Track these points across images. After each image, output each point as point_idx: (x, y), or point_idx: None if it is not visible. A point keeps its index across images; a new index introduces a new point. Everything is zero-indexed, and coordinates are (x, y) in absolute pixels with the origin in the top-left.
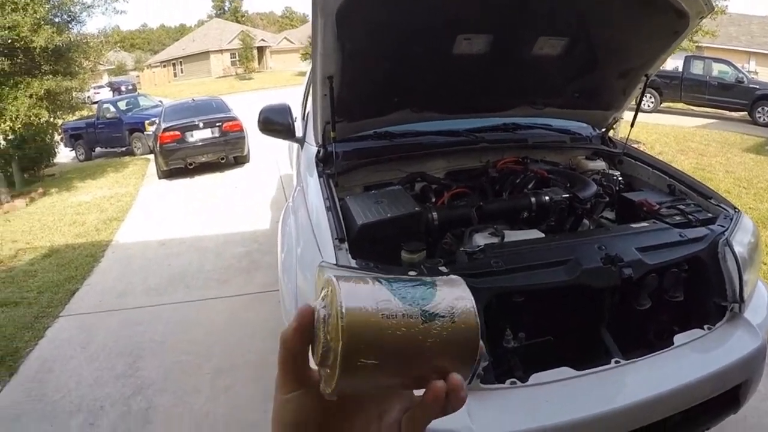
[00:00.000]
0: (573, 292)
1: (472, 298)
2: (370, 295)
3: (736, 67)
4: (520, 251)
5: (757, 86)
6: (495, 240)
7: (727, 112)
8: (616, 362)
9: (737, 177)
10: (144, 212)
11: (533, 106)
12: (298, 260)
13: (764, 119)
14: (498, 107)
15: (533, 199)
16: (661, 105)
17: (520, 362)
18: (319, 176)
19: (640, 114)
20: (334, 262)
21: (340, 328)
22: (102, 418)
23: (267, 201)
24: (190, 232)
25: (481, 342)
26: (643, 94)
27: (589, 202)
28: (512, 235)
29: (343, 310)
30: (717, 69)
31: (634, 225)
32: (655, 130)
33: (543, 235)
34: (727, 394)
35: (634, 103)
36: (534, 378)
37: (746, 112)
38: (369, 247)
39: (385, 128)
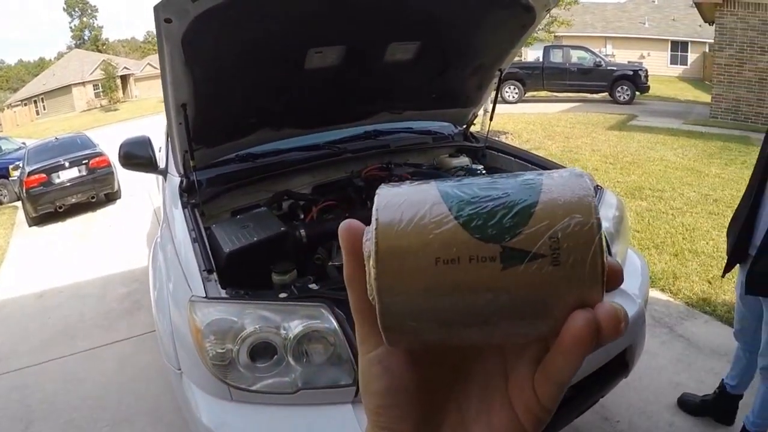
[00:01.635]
0: None
1: (596, 217)
2: (422, 226)
3: (593, 52)
4: None
5: (615, 68)
6: None
7: (589, 95)
8: None
9: (603, 154)
10: (17, 265)
11: (392, 111)
12: (170, 296)
13: (624, 97)
14: (357, 117)
15: None
16: (526, 95)
17: None
18: (184, 207)
19: (506, 105)
20: (204, 295)
21: (374, 283)
22: None
23: (143, 236)
24: (68, 279)
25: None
26: (498, 89)
27: None
28: None
29: (375, 255)
30: (576, 55)
31: None
32: (521, 119)
33: None
34: (615, 361)
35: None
36: None
37: (607, 93)
38: (239, 274)
39: (247, 150)
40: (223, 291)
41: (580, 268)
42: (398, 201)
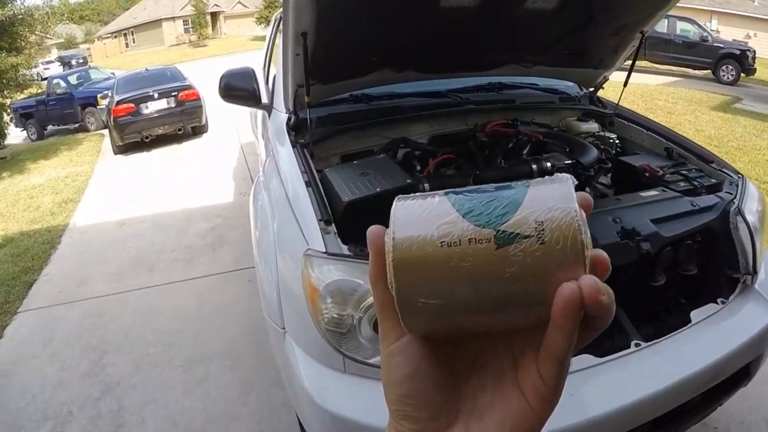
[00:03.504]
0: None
1: (575, 206)
2: (430, 218)
3: (700, 26)
4: None
5: (721, 45)
6: None
7: (690, 71)
8: (636, 345)
9: (707, 135)
10: (101, 191)
11: (522, 64)
12: (276, 240)
13: (728, 78)
14: (485, 66)
15: (534, 166)
16: (626, 63)
17: None
18: (292, 146)
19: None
20: (323, 250)
21: (390, 265)
22: (71, 425)
23: (229, 172)
24: (150, 209)
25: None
26: (637, 53)
27: (592, 168)
28: None
29: (393, 242)
30: (681, 27)
31: (643, 194)
32: (620, 88)
33: None
34: (740, 368)
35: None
36: None
37: (710, 71)
38: (357, 228)
39: (362, 90)
40: (345, 247)
41: (563, 246)
42: (412, 202)
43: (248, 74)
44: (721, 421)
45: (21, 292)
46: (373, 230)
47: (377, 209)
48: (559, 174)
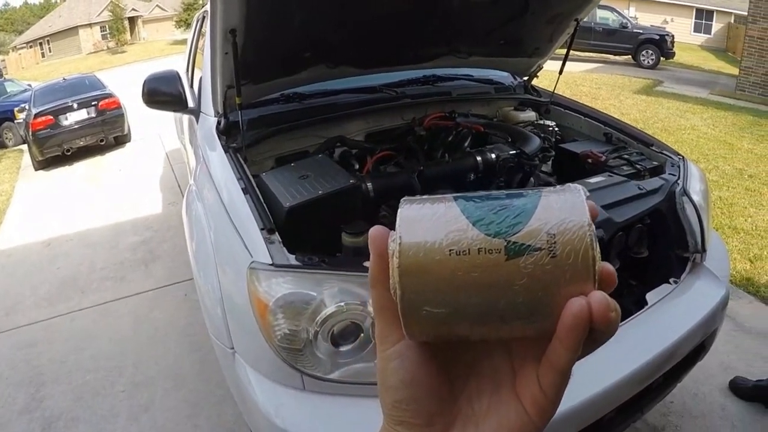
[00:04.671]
0: None
1: (587, 219)
2: (438, 224)
3: (620, 13)
4: None
5: (641, 31)
6: None
7: (611, 56)
8: None
9: (633, 119)
10: (23, 210)
11: (458, 55)
12: (215, 253)
13: (648, 62)
14: (420, 58)
15: (479, 158)
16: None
17: None
18: (224, 151)
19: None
20: (269, 261)
21: (395, 270)
22: None
23: (155, 182)
24: (77, 226)
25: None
26: (572, 41)
27: (536, 158)
28: None
29: (399, 247)
30: (600, 15)
31: (590, 180)
32: (545, 76)
33: None
34: (697, 344)
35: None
36: None
37: (631, 56)
38: (300, 235)
39: (294, 89)
40: (292, 257)
41: (574, 260)
42: (419, 205)
43: (172, 77)
44: (675, 395)
45: None
46: (376, 230)
47: (322, 213)
48: (571, 184)
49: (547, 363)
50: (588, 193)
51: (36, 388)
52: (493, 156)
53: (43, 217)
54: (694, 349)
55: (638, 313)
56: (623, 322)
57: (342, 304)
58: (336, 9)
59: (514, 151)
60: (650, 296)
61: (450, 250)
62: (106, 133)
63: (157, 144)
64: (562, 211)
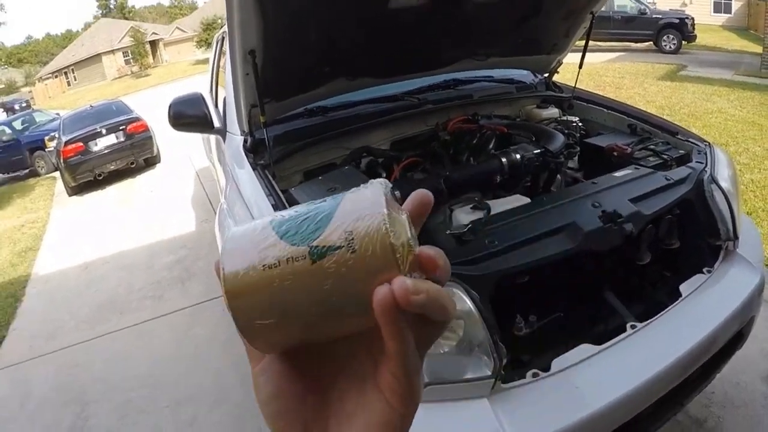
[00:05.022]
0: (574, 258)
1: (382, 209)
2: (253, 245)
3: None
4: (513, 223)
5: (660, 15)
6: (480, 214)
7: (633, 44)
8: (632, 327)
9: (659, 105)
10: (59, 236)
11: (476, 57)
12: None
13: (670, 47)
14: (439, 64)
15: (504, 160)
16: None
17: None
18: (253, 169)
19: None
20: None
21: (225, 297)
22: None
23: (187, 201)
24: (112, 248)
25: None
26: (589, 34)
27: (561, 155)
28: (496, 205)
29: (222, 276)
30: (618, 3)
31: (616, 174)
32: (567, 69)
33: (528, 200)
34: (734, 333)
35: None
36: (556, 364)
37: (652, 42)
38: None
39: (317, 103)
40: None
41: (373, 251)
42: (240, 231)
43: (197, 100)
44: (716, 386)
45: None
46: (216, 264)
47: None
48: (373, 180)
49: (387, 351)
50: (391, 185)
51: (81, 408)
52: (518, 156)
53: (79, 242)
54: (732, 338)
55: (672, 305)
56: (658, 315)
57: None
58: (350, 22)
59: (539, 150)
60: (684, 287)
61: (263, 266)
62: (136, 155)
63: (186, 163)
64: (359, 208)
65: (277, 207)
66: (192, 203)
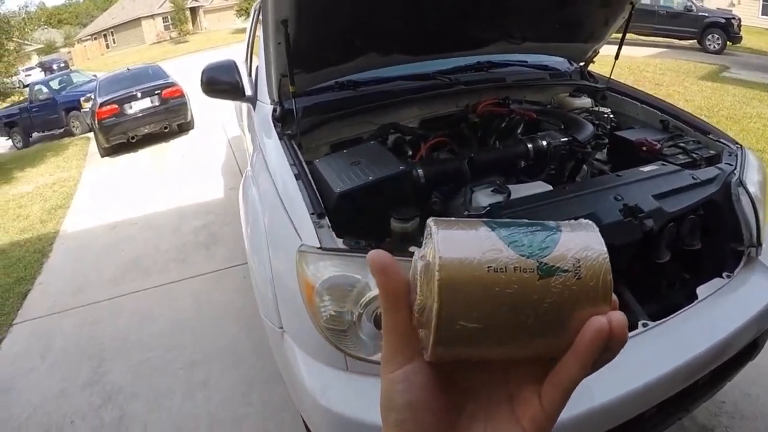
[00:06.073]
0: None
1: (605, 249)
2: (474, 244)
3: None
4: (531, 209)
5: (706, 14)
6: (500, 198)
7: (676, 41)
8: (644, 325)
9: (698, 106)
10: (89, 195)
11: (511, 40)
12: (267, 236)
13: (714, 46)
14: (473, 44)
15: (530, 146)
16: (611, 36)
17: None
18: (279, 138)
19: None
20: (317, 245)
21: (435, 283)
22: None
23: (217, 168)
24: (141, 211)
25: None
26: (628, 25)
27: (589, 145)
28: (517, 190)
29: (439, 261)
30: None
31: (643, 169)
32: (608, 61)
33: (550, 187)
34: (748, 342)
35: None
36: None
37: (696, 40)
38: (351, 219)
39: (348, 77)
40: (340, 241)
41: (595, 283)
42: (452, 227)
43: (230, 67)
44: (727, 394)
45: (16, 304)
46: (374, 255)
47: (371, 199)
48: (583, 220)
49: (554, 380)
50: (597, 229)
51: (98, 363)
52: (544, 143)
53: (108, 202)
54: (746, 346)
55: (687, 307)
56: (672, 316)
57: None
58: None
59: (566, 139)
60: (701, 290)
61: (488, 267)
62: (170, 120)
63: (219, 131)
64: (583, 240)
65: (299, 176)
66: (222, 170)
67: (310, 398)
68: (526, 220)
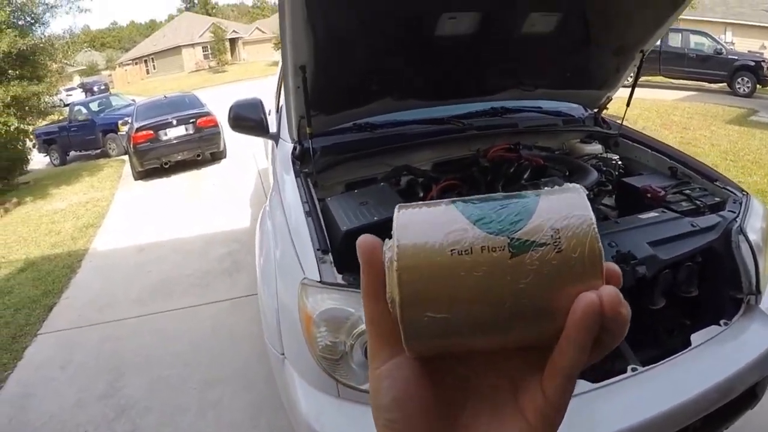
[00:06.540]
0: None
1: (591, 214)
2: (438, 225)
3: (714, 39)
4: None
5: (736, 57)
6: None
7: (706, 84)
8: (633, 370)
9: (723, 150)
10: (120, 216)
11: (523, 88)
12: (278, 270)
13: (744, 90)
14: (485, 91)
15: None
16: (640, 79)
17: None
18: (296, 175)
19: (621, 89)
20: (318, 279)
21: (395, 274)
22: None
23: (246, 197)
24: (169, 234)
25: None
26: (639, 72)
27: (591, 192)
28: None
29: (397, 249)
30: (694, 41)
31: (642, 216)
32: (636, 104)
33: None
34: (746, 391)
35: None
36: None
37: (726, 84)
38: (352, 256)
39: (366, 119)
40: (339, 276)
41: (580, 254)
42: (415, 209)
43: (256, 105)
44: None
45: (41, 315)
46: (364, 238)
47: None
48: (569, 183)
49: (552, 366)
50: (587, 191)
51: (116, 378)
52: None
53: (139, 224)
54: (743, 395)
55: (679, 353)
56: (662, 362)
57: None
58: (398, 47)
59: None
60: (695, 337)
61: (451, 250)
62: (203, 149)
63: (250, 161)
64: (564, 207)
65: (309, 213)
66: (250, 200)
67: (304, 423)
68: (502, 194)
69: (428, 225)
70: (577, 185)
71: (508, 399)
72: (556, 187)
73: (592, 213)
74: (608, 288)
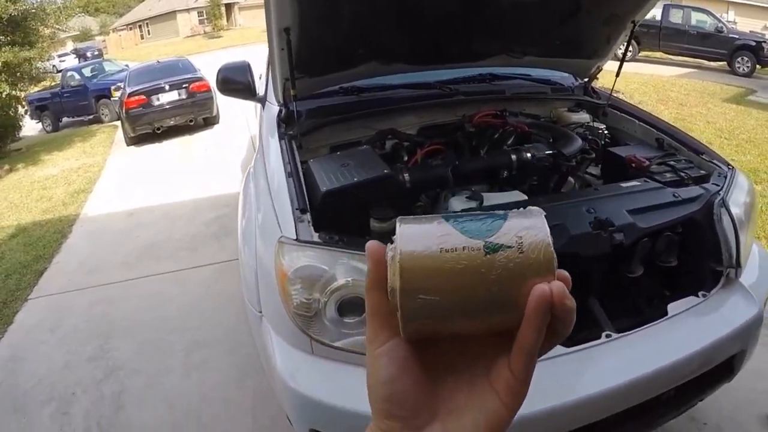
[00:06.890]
0: (560, 260)
1: (547, 228)
2: (430, 233)
3: (715, 17)
4: None
5: (737, 36)
6: (473, 204)
7: (705, 62)
8: (607, 336)
9: (718, 128)
10: (112, 182)
11: (511, 54)
12: (258, 230)
13: (743, 69)
14: (473, 56)
15: (513, 157)
16: (639, 54)
17: None
18: (281, 138)
19: (613, 61)
20: (294, 237)
21: (397, 267)
22: (74, 406)
23: (237, 162)
24: (160, 199)
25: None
26: (629, 43)
27: (574, 159)
28: (492, 198)
29: (400, 250)
30: (696, 18)
31: (623, 184)
32: (634, 79)
33: (525, 197)
34: (722, 364)
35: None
36: None
37: (725, 62)
38: (335, 216)
39: (352, 83)
40: (316, 235)
41: (537, 255)
42: (414, 224)
43: (243, 68)
44: (710, 417)
45: (32, 280)
46: (372, 244)
47: (353, 199)
48: (532, 208)
49: (517, 346)
50: (545, 213)
51: (104, 340)
52: (528, 155)
53: (130, 189)
54: (718, 367)
55: (654, 322)
56: (636, 330)
57: (350, 279)
58: (384, 9)
59: (551, 151)
60: (672, 307)
61: (441, 249)
62: (196, 114)
63: (243, 127)
64: (528, 223)
65: (290, 174)
66: (242, 165)
67: (281, 379)
68: (479, 212)
69: (424, 233)
70: (539, 209)
71: (482, 376)
72: (522, 210)
73: (548, 227)
74: (557, 283)
